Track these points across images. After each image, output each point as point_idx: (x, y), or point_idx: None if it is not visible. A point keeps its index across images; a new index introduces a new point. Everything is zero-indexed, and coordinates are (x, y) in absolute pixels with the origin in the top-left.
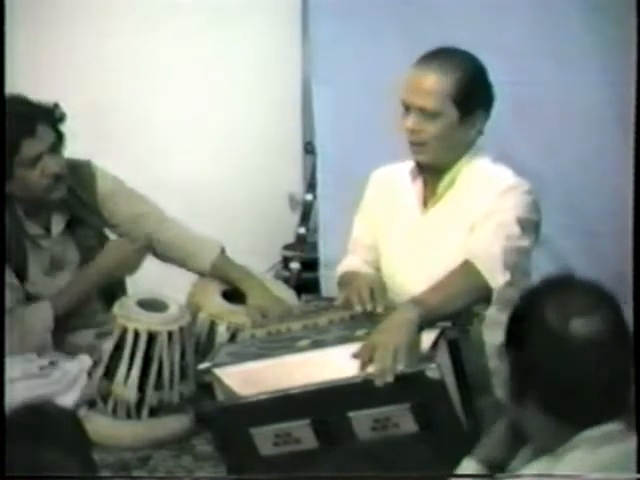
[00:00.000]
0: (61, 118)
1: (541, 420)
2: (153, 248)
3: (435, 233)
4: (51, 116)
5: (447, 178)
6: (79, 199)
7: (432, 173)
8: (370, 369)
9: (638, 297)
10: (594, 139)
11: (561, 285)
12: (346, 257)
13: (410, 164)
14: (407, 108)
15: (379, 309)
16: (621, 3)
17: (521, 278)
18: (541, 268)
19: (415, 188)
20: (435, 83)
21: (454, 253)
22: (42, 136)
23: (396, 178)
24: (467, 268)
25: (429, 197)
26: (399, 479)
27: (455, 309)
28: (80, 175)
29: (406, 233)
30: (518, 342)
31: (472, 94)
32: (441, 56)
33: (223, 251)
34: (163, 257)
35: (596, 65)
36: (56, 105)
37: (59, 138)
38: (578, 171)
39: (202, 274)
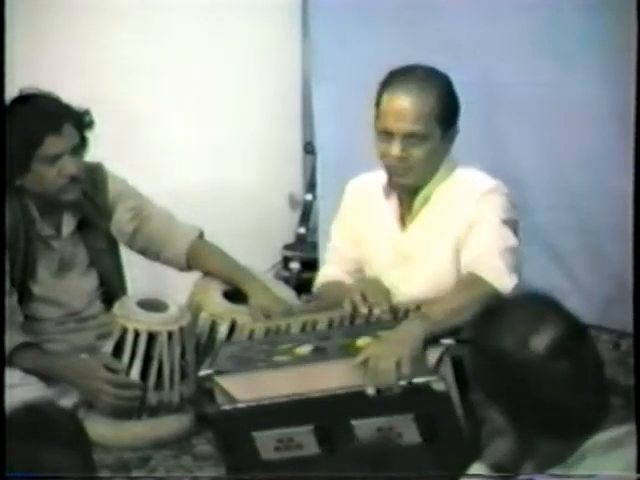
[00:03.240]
0: (89, 124)
1: (545, 442)
2: (134, 244)
3: (418, 249)
4: (79, 119)
5: (422, 195)
6: (91, 201)
7: (407, 190)
8: (373, 381)
9: (638, 297)
10: (594, 139)
11: (504, 308)
12: (325, 266)
13: (383, 177)
14: (388, 135)
15: (383, 309)
16: (621, 3)
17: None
18: (541, 268)
19: (390, 206)
20: (419, 106)
21: (439, 267)
22: (66, 136)
23: (371, 191)
24: (472, 280)
25: (406, 214)
26: (401, 479)
27: (463, 321)
28: (92, 177)
29: (387, 251)
30: (491, 383)
31: (450, 110)
32: (413, 78)
33: (201, 235)
34: (144, 250)
35: (596, 65)
36: (87, 111)
37: (83, 142)
38: (578, 171)
39: (180, 265)
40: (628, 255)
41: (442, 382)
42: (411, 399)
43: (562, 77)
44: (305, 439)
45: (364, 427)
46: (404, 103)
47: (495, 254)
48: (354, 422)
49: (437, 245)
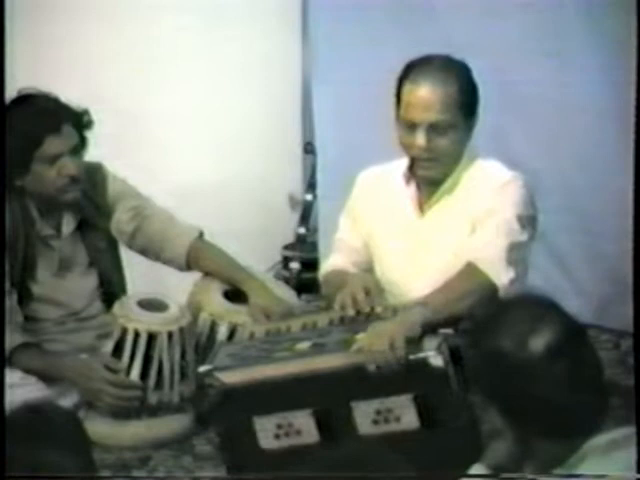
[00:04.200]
0: (88, 124)
1: (544, 443)
2: (134, 244)
3: (435, 236)
4: (78, 119)
5: (448, 183)
6: (90, 201)
7: (430, 180)
8: (369, 362)
9: (638, 297)
10: (594, 139)
11: (503, 309)
12: (331, 256)
13: (399, 166)
14: (413, 126)
15: (377, 309)
16: (621, 3)
17: (522, 273)
18: (541, 268)
19: (409, 192)
20: (443, 95)
21: (456, 254)
22: (66, 136)
23: (386, 181)
24: (470, 269)
25: (424, 200)
26: (401, 479)
27: (460, 310)
28: (92, 177)
29: (403, 237)
30: (490, 381)
31: (471, 98)
32: (434, 67)
33: (201, 235)
34: (144, 250)
35: (596, 65)
36: (86, 111)
37: (82, 142)
38: (578, 171)
39: (180, 265)
40: (628, 255)
41: (440, 357)
42: (409, 377)
43: (562, 77)
44: (304, 424)
45: (363, 409)
46: (427, 93)
47: (497, 247)
48: (353, 404)
49: (456, 231)
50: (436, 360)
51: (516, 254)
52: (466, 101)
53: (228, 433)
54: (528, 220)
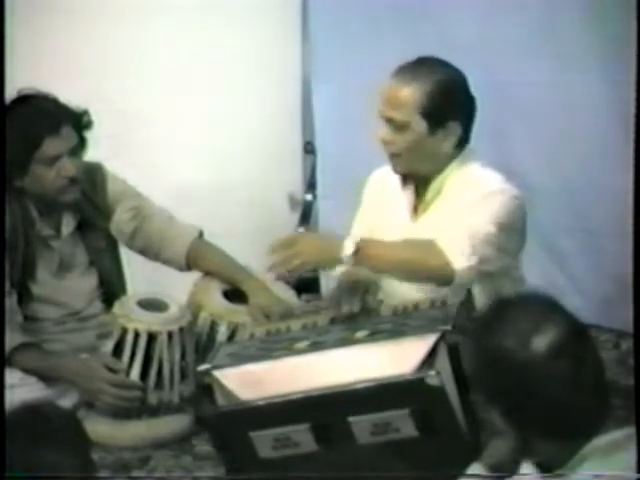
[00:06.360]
0: (87, 125)
1: (545, 444)
2: (134, 244)
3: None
4: (78, 120)
5: (433, 187)
6: (90, 201)
7: (421, 181)
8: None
9: (638, 297)
10: (594, 139)
11: (505, 309)
12: None
13: None
14: (382, 119)
15: (354, 309)
16: (621, 3)
17: (513, 283)
18: (541, 268)
19: (406, 195)
20: (405, 95)
21: None
22: (65, 137)
23: (390, 183)
24: (427, 243)
25: (419, 205)
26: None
27: (392, 271)
28: (91, 178)
29: (398, 239)
30: (490, 381)
31: (442, 107)
32: (416, 68)
33: (201, 235)
34: (143, 250)
35: (596, 65)
36: (85, 111)
37: (81, 143)
38: (578, 171)
39: (180, 265)
40: (628, 255)
41: (437, 377)
42: (406, 395)
43: (562, 77)
44: (302, 437)
45: (361, 423)
46: (392, 90)
47: (463, 234)
48: (351, 419)
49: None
50: (433, 380)
51: (484, 248)
52: (432, 108)
53: (226, 446)
54: (510, 229)
